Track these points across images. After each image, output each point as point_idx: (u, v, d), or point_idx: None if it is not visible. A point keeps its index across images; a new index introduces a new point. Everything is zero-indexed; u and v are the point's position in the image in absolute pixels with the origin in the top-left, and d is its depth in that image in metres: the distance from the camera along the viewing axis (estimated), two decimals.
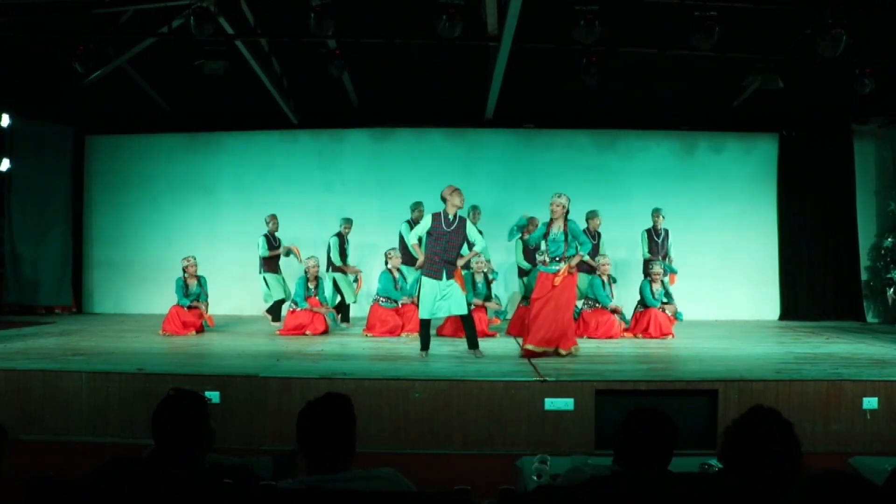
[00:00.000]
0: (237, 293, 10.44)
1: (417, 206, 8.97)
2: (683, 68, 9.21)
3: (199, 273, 8.57)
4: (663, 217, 9.01)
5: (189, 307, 8.40)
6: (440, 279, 6.57)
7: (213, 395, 5.30)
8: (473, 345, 6.73)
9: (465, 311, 6.70)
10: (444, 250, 6.57)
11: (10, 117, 10.07)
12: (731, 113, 10.72)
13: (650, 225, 9.08)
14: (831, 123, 10.90)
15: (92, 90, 9.65)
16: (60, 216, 10.77)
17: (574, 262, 6.68)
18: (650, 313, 8.37)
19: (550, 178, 10.23)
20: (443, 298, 6.60)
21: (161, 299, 9.43)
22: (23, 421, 5.51)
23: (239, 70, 8.71)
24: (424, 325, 6.75)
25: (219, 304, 9.26)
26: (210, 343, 7.62)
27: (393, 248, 8.58)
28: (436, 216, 6.64)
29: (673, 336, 8.21)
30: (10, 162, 10.10)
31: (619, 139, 11.13)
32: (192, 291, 8.46)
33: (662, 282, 8.50)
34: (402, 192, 10.46)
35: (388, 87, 10.44)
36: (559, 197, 6.70)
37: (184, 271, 8.47)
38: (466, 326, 6.80)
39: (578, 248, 6.74)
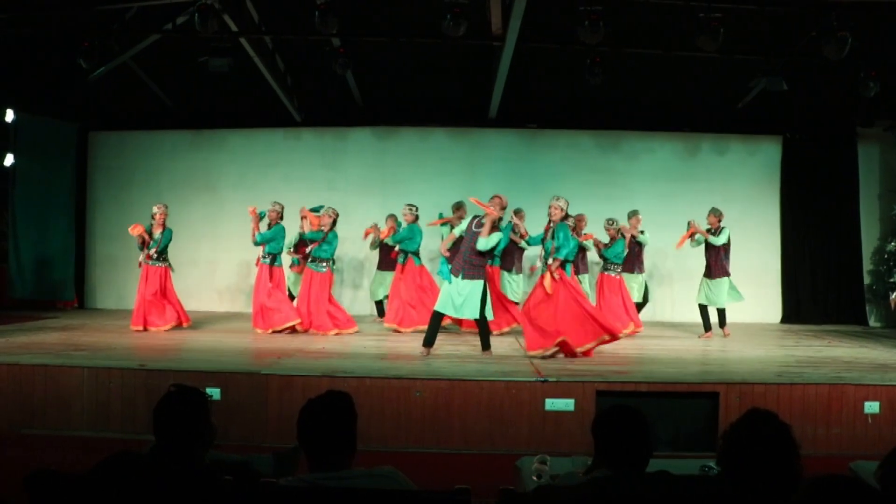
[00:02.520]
0: (238, 290, 10.45)
1: (460, 206, 8.72)
2: (688, 70, 9.21)
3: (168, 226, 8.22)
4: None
5: (151, 262, 8.05)
6: (456, 276, 6.64)
7: (215, 392, 5.31)
8: (486, 346, 6.74)
9: (476, 316, 6.70)
10: (467, 249, 6.67)
11: (15, 113, 10.08)
12: (735, 115, 10.71)
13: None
14: (836, 126, 10.88)
15: (96, 86, 9.67)
16: (64, 212, 10.79)
17: (554, 267, 6.59)
18: (608, 305, 8.37)
19: (553, 179, 10.24)
20: (459, 300, 6.61)
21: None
22: (24, 415, 5.53)
23: (243, 67, 8.73)
24: (437, 317, 6.73)
25: (220, 302, 9.27)
26: (211, 340, 7.62)
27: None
28: (474, 218, 6.77)
29: (619, 335, 7.49)
30: (14, 157, 10.11)
31: (623, 140, 11.12)
32: (155, 240, 8.09)
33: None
34: (405, 190, 10.46)
35: (391, 86, 10.45)
36: (557, 200, 6.71)
37: (151, 218, 8.11)
38: (480, 329, 6.80)
39: (555, 251, 6.59)
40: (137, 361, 5.82)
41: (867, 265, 10.89)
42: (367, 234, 9.28)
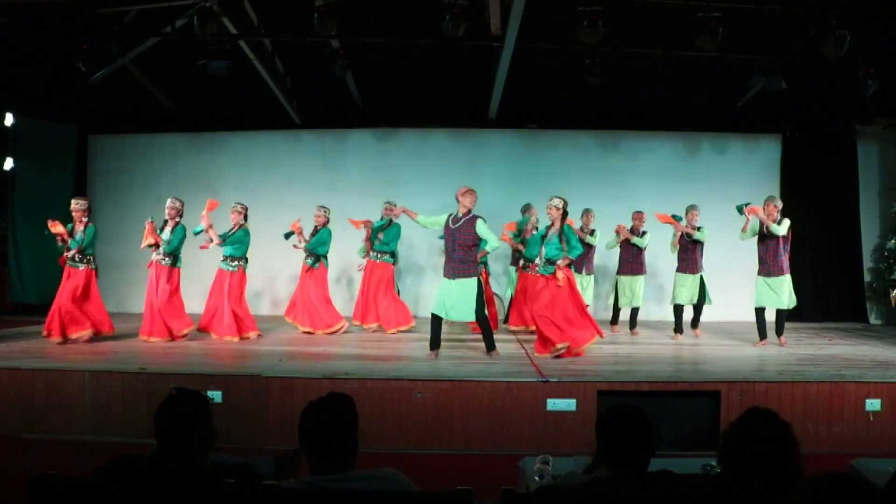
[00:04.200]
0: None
1: (528, 207, 9.00)
2: (687, 69, 9.20)
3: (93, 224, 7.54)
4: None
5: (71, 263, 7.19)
6: (449, 277, 6.57)
7: (216, 395, 5.32)
8: (490, 347, 6.69)
9: (472, 318, 6.63)
10: (452, 249, 6.57)
11: (14, 116, 10.09)
12: (735, 114, 10.71)
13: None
14: (835, 125, 10.88)
15: (96, 89, 9.67)
16: (63, 216, 10.75)
17: (562, 264, 6.67)
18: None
19: (554, 179, 10.24)
20: (453, 302, 6.53)
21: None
22: (26, 420, 5.54)
23: (242, 70, 8.73)
24: (434, 321, 6.66)
25: None
26: (212, 343, 7.62)
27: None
28: (449, 215, 6.67)
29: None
30: (14, 161, 10.12)
31: (623, 140, 11.13)
32: (76, 239, 7.24)
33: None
34: (405, 192, 10.45)
35: (391, 87, 10.45)
36: (554, 199, 6.73)
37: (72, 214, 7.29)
38: (482, 329, 6.76)
39: (568, 252, 6.72)
40: (138, 365, 5.82)
41: (867, 263, 10.89)
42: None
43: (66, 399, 5.54)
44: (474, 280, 6.57)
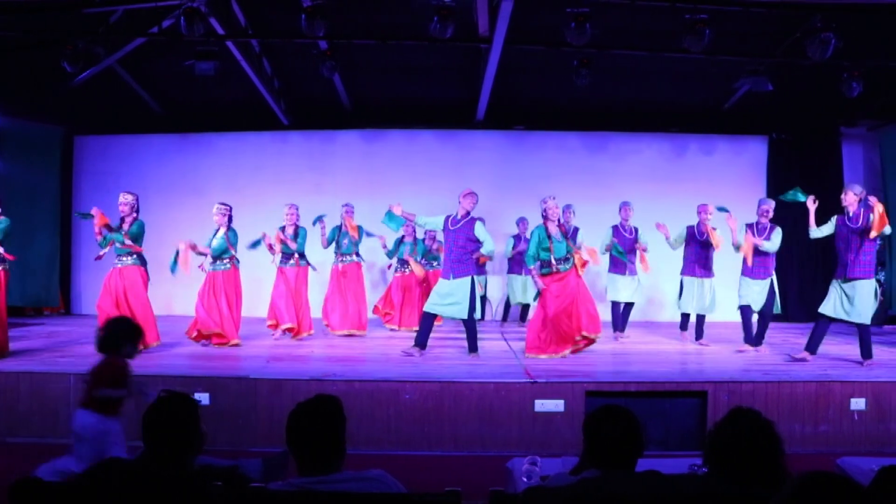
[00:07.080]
0: None
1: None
2: (674, 70, 9.26)
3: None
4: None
5: None
6: (448, 279, 6.64)
7: (203, 397, 5.29)
8: (473, 349, 6.72)
9: (464, 317, 6.67)
10: (450, 250, 6.69)
11: None
12: (722, 115, 10.79)
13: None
14: (820, 126, 10.98)
15: (81, 90, 9.61)
16: (49, 217, 10.69)
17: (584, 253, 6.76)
18: None
19: (541, 180, 10.27)
20: (448, 300, 6.62)
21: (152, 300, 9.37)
22: (10, 423, 5.48)
23: (230, 71, 8.69)
24: (427, 318, 6.73)
25: None
26: (200, 345, 7.57)
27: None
28: (448, 217, 6.78)
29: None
30: None
31: (610, 141, 11.17)
32: None
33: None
34: (393, 193, 10.40)
35: (379, 89, 10.45)
36: (554, 199, 6.75)
37: None
38: (467, 331, 6.78)
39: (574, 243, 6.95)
40: None
41: None
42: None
43: (51, 402, 5.49)
44: (468, 279, 6.63)
